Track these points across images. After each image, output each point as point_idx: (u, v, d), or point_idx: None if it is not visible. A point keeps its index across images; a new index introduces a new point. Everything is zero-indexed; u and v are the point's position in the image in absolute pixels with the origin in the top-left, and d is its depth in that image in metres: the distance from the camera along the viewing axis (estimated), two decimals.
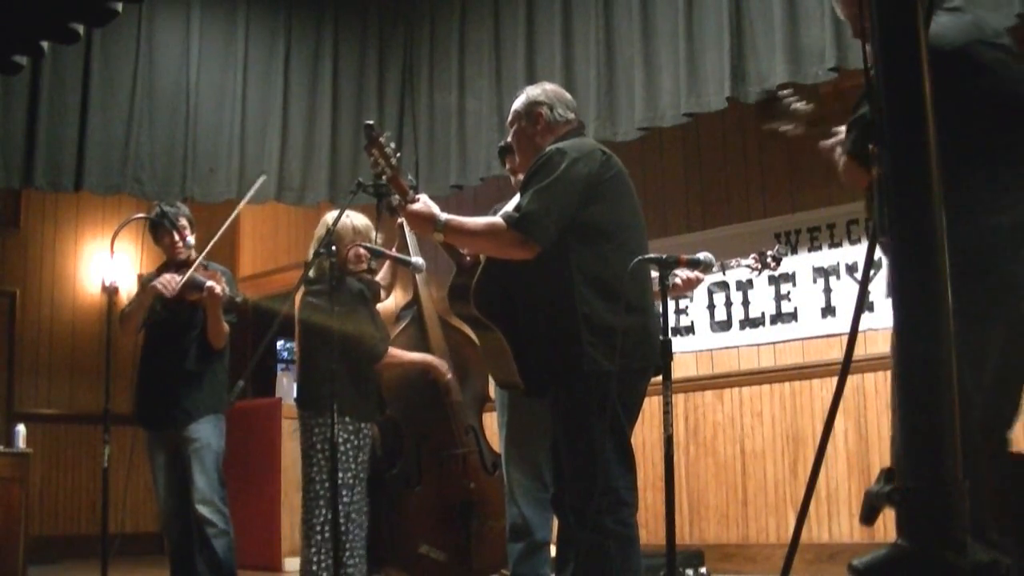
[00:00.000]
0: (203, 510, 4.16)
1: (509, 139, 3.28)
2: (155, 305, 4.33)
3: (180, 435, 4.24)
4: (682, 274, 3.81)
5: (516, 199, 3.09)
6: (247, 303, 4.25)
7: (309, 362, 4.03)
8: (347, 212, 3.99)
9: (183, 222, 4.40)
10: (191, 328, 4.29)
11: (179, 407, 4.24)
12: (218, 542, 4.16)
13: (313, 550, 3.84)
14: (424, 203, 2.94)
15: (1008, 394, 2.37)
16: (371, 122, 3.03)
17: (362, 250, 3.99)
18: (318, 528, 3.83)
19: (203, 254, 4.34)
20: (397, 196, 3.01)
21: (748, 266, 4.07)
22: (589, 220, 2.91)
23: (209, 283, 4.14)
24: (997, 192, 2.32)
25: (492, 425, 4.93)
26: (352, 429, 3.88)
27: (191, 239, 4.36)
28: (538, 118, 3.11)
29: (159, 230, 4.42)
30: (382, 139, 2.97)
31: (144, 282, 4.45)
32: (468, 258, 3.14)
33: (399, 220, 3.83)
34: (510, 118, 3.21)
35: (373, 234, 4.05)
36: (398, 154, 2.97)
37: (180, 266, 4.32)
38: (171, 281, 4.19)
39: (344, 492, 3.76)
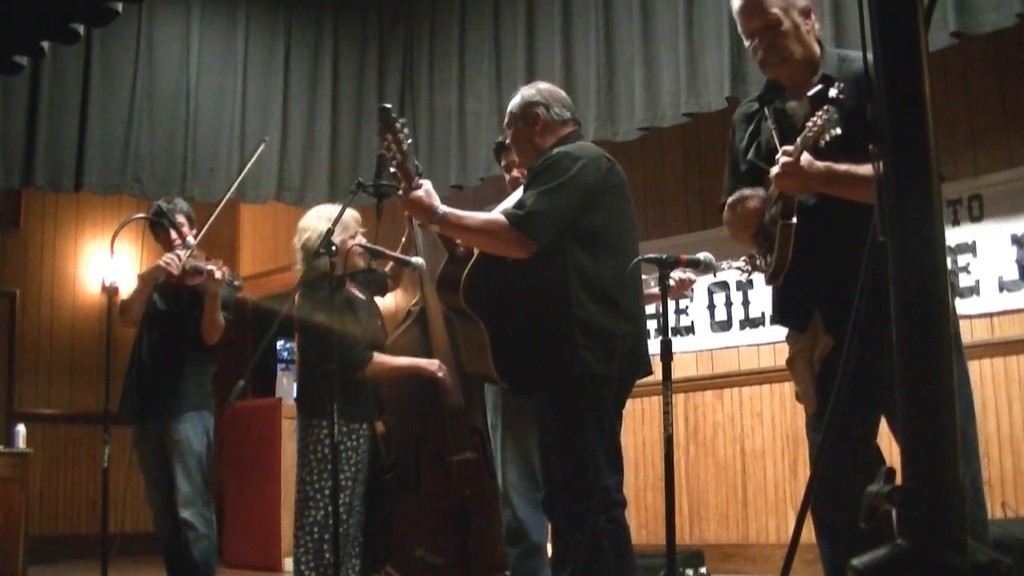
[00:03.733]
0: (185, 513, 4.13)
1: (507, 140, 3.27)
2: (152, 296, 4.32)
3: (164, 431, 4.22)
4: (675, 275, 3.81)
5: (514, 197, 3.08)
6: (246, 301, 4.23)
7: (307, 363, 4.02)
8: (320, 210, 4.07)
9: (180, 219, 4.39)
10: (185, 322, 4.27)
11: (164, 401, 4.21)
12: (197, 546, 4.13)
13: (302, 551, 3.82)
14: (427, 192, 2.92)
15: None
16: (388, 105, 2.99)
17: (359, 248, 3.98)
18: (307, 529, 3.82)
19: (204, 228, 4.32)
20: (402, 182, 2.96)
21: (739, 268, 4.06)
22: (589, 226, 2.92)
23: (210, 267, 4.11)
24: None
25: None
26: (346, 431, 3.86)
27: (191, 238, 4.34)
28: (535, 119, 3.11)
29: (157, 227, 4.43)
30: (397, 124, 2.95)
31: (143, 276, 4.45)
32: (461, 248, 3.13)
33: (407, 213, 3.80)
34: (507, 120, 3.21)
35: (358, 221, 4.05)
36: (409, 140, 2.95)
37: None
38: (175, 259, 4.17)
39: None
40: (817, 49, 2.63)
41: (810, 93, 2.29)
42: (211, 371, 4.39)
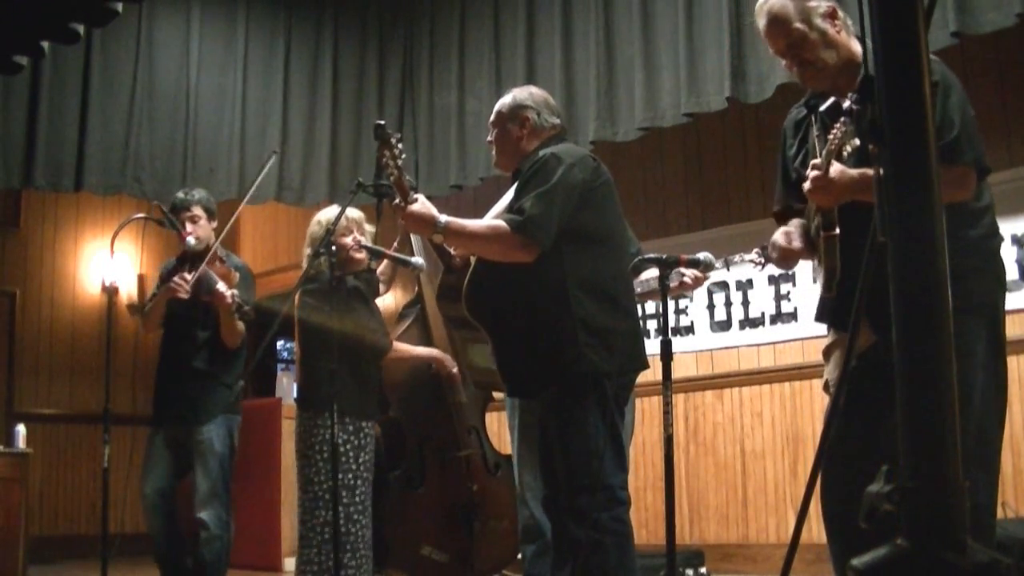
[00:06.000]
0: (201, 513, 4.13)
1: (490, 138, 3.29)
2: (171, 302, 4.30)
3: (189, 435, 4.21)
4: (689, 273, 3.83)
5: (505, 200, 3.10)
6: (252, 312, 4.17)
7: (308, 362, 4.02)
8: (328, 211, 4.04)
9: (197, 211, 4.34)
10: (205, 327, 4.24)
11: (190, 406, 4.21)
12: (208, 546, 4.11)
13: (314, 551, 3.82)
14: (423, 204, 2.94)
15: None
16: (382, 122, 3.02)
17: (358, 247, 3.99)
18: (319, 529, 3.82)
19: (216, 243, 4.27)
20: (397, 197, 2.99)
21: (751, 261, 4.06)
22: (581, 225, 2.94)
23: (219, 286, 4.05)
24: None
25: (493, 425, 4.93)
26: (352, 429, 3.87)
27: (202, 233, 4.32)
28: (524, 122, 3.13)
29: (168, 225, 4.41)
30: (393, 140, 2.97)
31: (162, 273, 4.43)
32: (457, 259, 3.15)
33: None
34: (493, 118, 3.23)
35: (366, 226, 4.06)
36: (403, 155, 2.98)
37: (197, 258, 4.25)
38: (183, 283, 4.14)
39: (344, 493, 3.74)
40: (855, 47, 2.57)
41: (822, 108, 2.27)
42: (239, 372, 4.36)
